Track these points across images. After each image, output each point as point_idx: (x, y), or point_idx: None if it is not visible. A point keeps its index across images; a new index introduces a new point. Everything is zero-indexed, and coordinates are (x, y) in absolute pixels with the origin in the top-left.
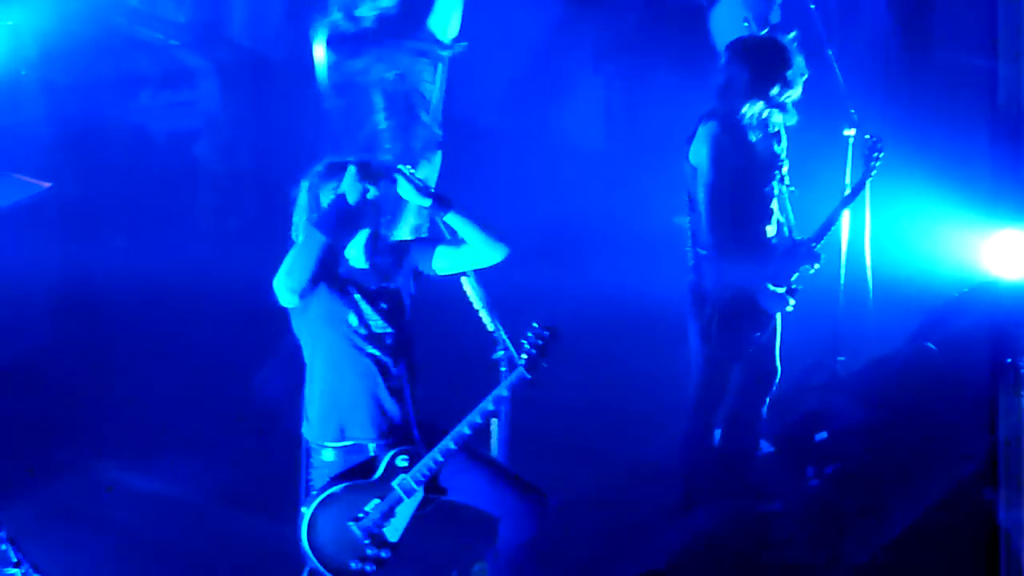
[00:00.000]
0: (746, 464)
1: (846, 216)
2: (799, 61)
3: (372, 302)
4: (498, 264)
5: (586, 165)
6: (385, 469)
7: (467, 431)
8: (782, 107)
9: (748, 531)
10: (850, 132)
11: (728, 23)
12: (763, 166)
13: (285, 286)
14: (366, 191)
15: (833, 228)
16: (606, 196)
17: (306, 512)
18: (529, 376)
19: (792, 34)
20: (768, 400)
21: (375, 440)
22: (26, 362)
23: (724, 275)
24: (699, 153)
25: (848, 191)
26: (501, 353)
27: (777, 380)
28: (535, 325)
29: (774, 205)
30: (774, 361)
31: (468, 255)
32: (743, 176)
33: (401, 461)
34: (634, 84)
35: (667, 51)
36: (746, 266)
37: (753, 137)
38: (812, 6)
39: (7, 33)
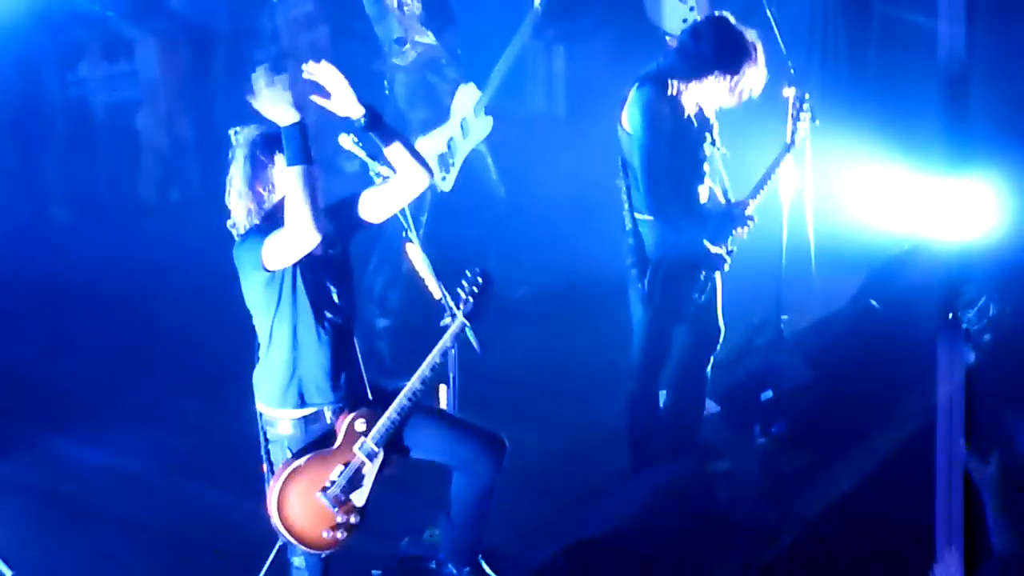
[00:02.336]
0: (693, 425)
1: (788, 176)
2: (762, 66)
3: (323, 268)
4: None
5: (529, 130)
6: (345, 435)
7: (419, 386)
8: (737, 96)
9: (697, 491)
10: (789, 92)
11: None
12: (696, 129)
13: (306, 230)
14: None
15: (771, 188)
16: (548, 161)
17: (273, 487)
18: (469, 323)
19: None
20: (712, 360)
21: (332, 404)
22: None
23: (663, 238)
24: (634, 118)
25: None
26: (448, 320)
27: (721, 340)
28: (468, 273)
29: (706, 167)
30: (716, 321)
31: (397, 188)
32: (677, 140)
33: (359, 425)
34: (573, 49)
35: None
36: (684, 228)
37: (686, 103)
38: None
39: None
